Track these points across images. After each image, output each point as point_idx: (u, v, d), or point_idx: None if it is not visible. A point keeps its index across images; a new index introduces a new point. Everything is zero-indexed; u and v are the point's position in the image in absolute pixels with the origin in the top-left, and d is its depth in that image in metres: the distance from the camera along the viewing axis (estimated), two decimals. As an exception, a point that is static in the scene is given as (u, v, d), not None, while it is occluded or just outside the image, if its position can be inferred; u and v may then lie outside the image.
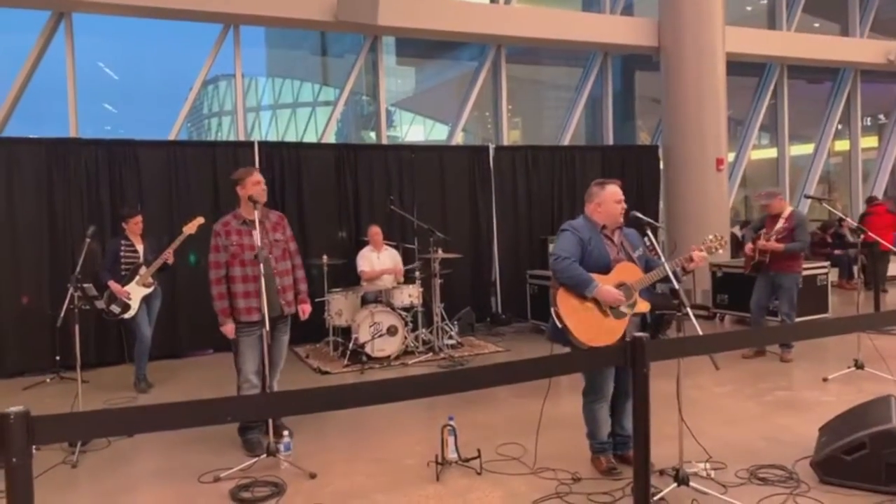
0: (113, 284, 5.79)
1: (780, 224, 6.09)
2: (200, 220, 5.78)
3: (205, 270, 6.95)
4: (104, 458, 4.31)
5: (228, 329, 4.25)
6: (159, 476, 4.00)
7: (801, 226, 6.10)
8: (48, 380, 6.45)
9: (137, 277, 5.87)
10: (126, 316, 5.85)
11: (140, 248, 6.02)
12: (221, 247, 4.27)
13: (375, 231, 7.45)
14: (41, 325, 6.77)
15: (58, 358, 6.50)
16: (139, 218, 6.09)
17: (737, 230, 10.24)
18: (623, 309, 3.59)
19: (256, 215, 4.16)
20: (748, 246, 6.33)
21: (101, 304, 5.06)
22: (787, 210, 6.19)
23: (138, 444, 4.52)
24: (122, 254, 5.95)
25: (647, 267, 3.71)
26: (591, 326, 3.55)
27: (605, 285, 3.55)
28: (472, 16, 9.32)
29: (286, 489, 3.67)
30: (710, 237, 3.70)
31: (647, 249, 3.79)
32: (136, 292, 5.88)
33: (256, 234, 4.19)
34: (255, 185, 4.26)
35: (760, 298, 6.41)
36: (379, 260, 7.39)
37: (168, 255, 5.78)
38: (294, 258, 4.52)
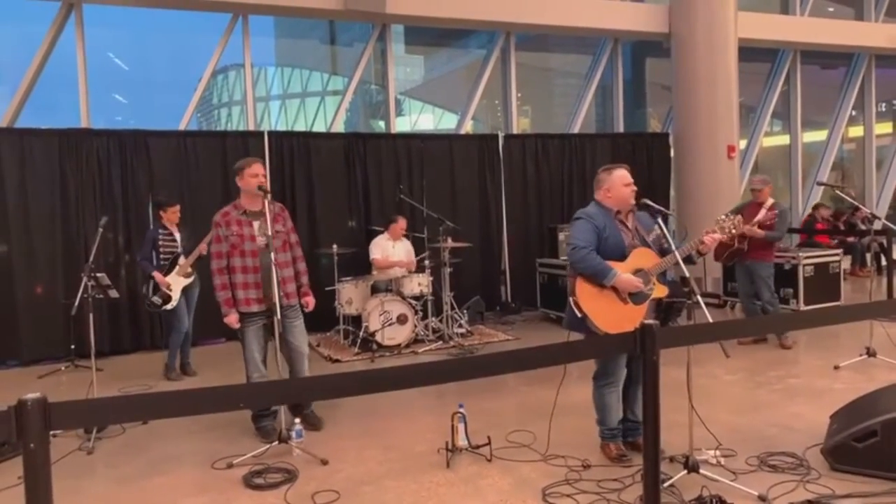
0: (157, 275, 5.76)
1: (764, 213, 6.09)
2: None
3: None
4: (119, 445, 4.38)
5: (231, 319, 4.23)
6: (173, 462, 4.05)
7: (782, 217, 6.11)
8: (63, 368, 6.54)
9: (177, 268, 5.85)
10: (168, 307, 5.82)
11: (178, 237, 6.00)
12: (222, 237, 4.23)
13: (401, 223, 7.36)
14: (56, 314, 6.85)
15: (72, 346, 6.59)
16: (177, 207, 6.05)
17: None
18: (646, 290, 3.58)
19: (261, 205, 4.19)
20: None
21: (114, 294, 5.06)
22: (770, 201, 6.24)
23: (152, 431, 4.58)
24: (160, 243, 5.92)
25: (662, 251, 3.68)
26: (611, 314, 3.55)
27: (623, 273, 3.53)
28: (480, 3, 9.25)
29: (298, 475, 3.71)
30: (722, 217, 3.67)
31: (659, 237, 3.78)
32: (176, 283, 5.84)
33: (256, 224, 4.21)
34: (252, 177, 4.16)
35: (745, 287, 6.47)
36: (393, 250, 7.40)
37: (203, 248, 5.71)
38: (294, 250, 4.46)
